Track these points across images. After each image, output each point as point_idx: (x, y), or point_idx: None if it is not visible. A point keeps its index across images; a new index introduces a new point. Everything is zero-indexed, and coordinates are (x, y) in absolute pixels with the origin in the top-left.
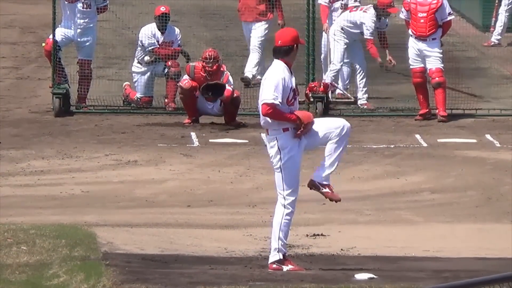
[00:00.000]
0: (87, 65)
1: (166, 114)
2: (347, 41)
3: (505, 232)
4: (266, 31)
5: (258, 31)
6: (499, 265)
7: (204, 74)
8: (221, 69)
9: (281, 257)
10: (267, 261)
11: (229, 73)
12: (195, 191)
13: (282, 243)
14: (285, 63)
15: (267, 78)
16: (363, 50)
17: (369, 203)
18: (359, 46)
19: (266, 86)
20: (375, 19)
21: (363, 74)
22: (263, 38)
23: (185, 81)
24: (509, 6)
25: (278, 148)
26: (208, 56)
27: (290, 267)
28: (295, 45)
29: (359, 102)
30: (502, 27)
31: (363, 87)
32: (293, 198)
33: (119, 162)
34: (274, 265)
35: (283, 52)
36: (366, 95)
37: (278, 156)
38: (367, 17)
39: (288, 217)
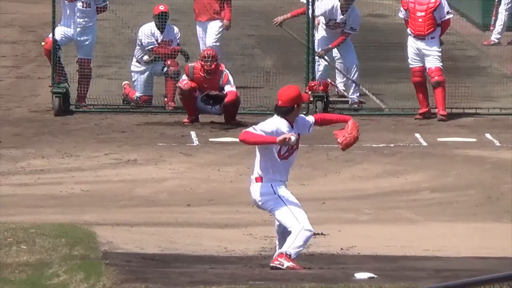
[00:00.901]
0: (87, 64)
1: (165, 113)
2: (328, 34)
3: (505, 231)
4: (221, 29)
5: (212, 30)
6: (499, 264)
7: (203, 74)
8: (220, 68)
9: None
10: (267, 260)
11: (228, 73)
12: (195, 190)
13: (295, 252)
14: (286, 119)
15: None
16: (355, 49)
17: (369, 202)
18: (350, 46)
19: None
20: (332, 7)
21: (355, 73)
22: (218, 36)
23: (184, 81)
24: (509, 5)
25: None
26: (206, 55)
27: (291, 264)
28: (295, 106)
29: (350, 101)
30: (502, 26)
31: (354, 86)
32: (307, 221)
33: (119, 161)
34: (281, 260)
35: (283, 112)
36: (357, 94)
37: (269, 197)
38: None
39: (306, 234)
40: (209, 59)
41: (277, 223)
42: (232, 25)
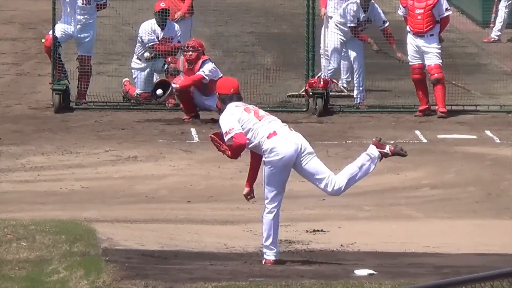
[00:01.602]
0: (87, 61)
1: (165, 110)
2: (343, 38)
3: (505, 228)
4: (190, 27)
5: (182, 30)
6: (499, 261)
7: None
8: (202, 59)
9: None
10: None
11: (211, 63)
12: (195, 186)
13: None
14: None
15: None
16: (363, 48)
17: (369, 199)
18: (359, 44)
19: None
20: (355, 7)
21: (361, 73)
22: (188, 36)
23: (179, 80)
24: (509, 2)
25: None
26: (187, 45)
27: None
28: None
29: (355, 101)
30: (502, 23)
31: (359, 86)
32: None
33: (119, 158)
34: None
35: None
36: (362, 94)
37: None
38: (348, 5)
39: None
40: (189, 49)
41: (270, 217)
42: (232, 22)
